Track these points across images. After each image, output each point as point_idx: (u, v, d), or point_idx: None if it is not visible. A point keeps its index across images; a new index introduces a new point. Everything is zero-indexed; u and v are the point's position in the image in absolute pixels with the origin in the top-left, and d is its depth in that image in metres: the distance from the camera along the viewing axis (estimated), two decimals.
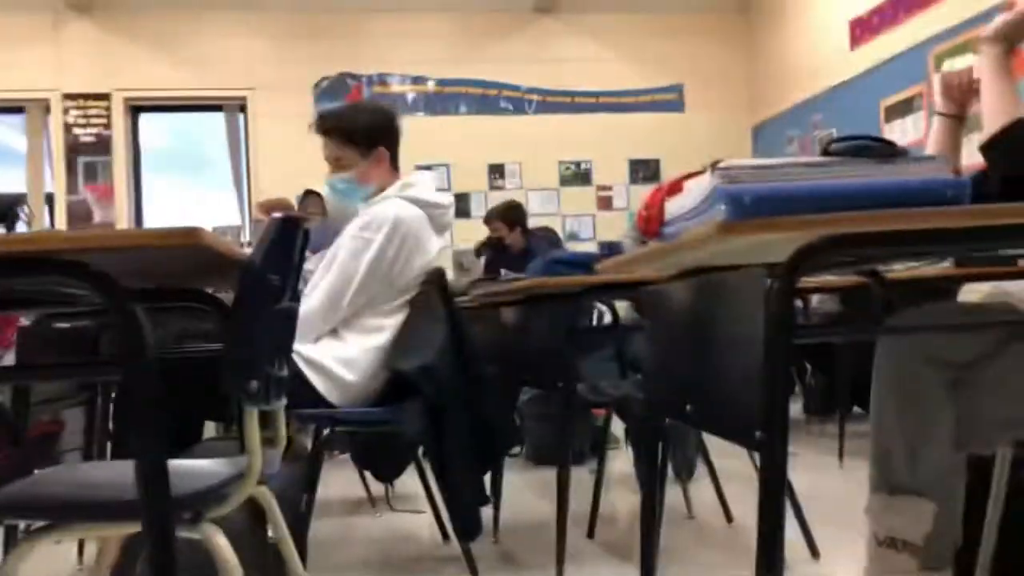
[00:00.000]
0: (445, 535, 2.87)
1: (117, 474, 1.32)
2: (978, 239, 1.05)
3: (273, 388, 1.33)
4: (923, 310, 1.63)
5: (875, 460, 1.54)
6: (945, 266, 2.96)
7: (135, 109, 7.78)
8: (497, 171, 7.86)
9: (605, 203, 7.92)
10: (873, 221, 1.05)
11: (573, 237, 7.65)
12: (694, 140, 7.53)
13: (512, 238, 5.25)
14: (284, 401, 1.46)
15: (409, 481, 3.06)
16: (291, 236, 1.27)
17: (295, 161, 7.09)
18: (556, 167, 7.90)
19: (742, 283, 1.26)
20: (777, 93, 7.58)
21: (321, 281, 2.38)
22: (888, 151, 1.15)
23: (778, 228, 1.05)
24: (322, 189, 3.48)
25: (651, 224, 1.38)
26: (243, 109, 7.77)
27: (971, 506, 1.59)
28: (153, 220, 7.90)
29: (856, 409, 4.72)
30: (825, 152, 1.20)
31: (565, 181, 7.91)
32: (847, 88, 6.56)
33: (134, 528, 1.21)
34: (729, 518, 2.94)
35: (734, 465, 3.47)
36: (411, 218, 2.40)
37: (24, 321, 2.45)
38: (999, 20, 1.45)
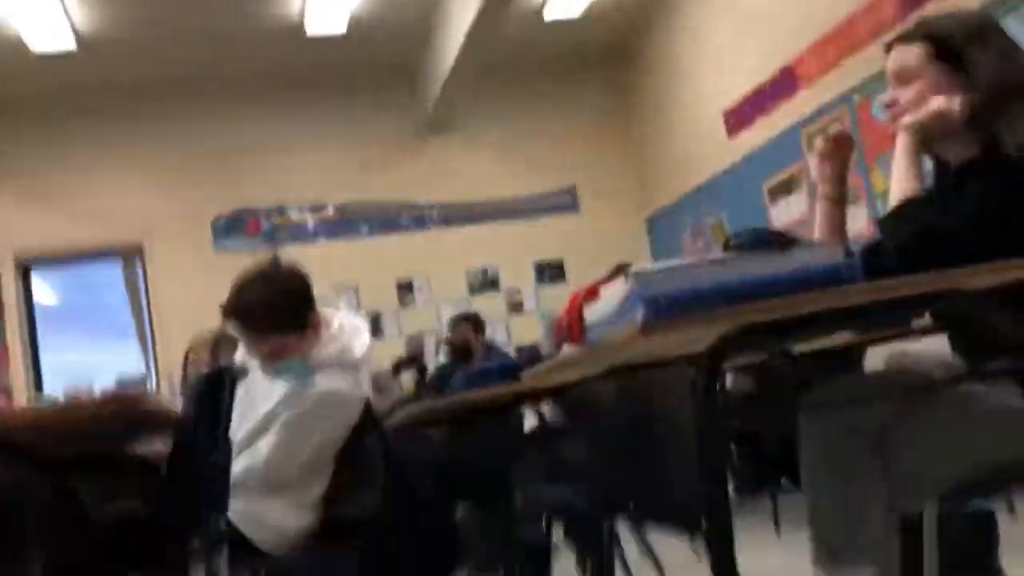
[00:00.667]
0: None
1: None
2: (876, 312, 1.13)
3: (213, 541, 1.31)
4: (836, 382, 1.71)
5: (814, 535, 1.59)
6: (846, 335, 3.11)
7: (26, 267, 7.58)
8: (406, 287, 7.90)
9: (516, 307, 8.02)
10: (779, 308, 1.12)
11: (492, 345, 7.70)
12: (593, 238, 7.76)
13: (476, 344, 5.33)
14: (225, 552, 1.43)
15: None
16: (220, 387, 1.27)
17: (198, 301, 6.98)
18: (464, 276, 7.99)
19: (667, 378, 1.31)
20: (666, 185, 7.91)
21: (257, 447, 2.31)
22: (783, 242, 1.23)
23: (693, 325, 1.11)
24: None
25: (573, 330, 1.43)
26: (141, 255, 7.66)
27: (908, 566, 1.64)
28: (52, 377, 7.61)
29: (784, 482, 4.81)
30: (726, 248, 1.28)
31: (474, 289, 8.00)
32: (730, 174, 6.90)
33: None
34: None
35: (669, 554, 3.47)
36: (346, 392, 2.38)
37: None
38: (923, 114, 1.57)
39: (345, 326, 2.48)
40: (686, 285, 1.16)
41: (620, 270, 4.22)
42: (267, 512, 2.29)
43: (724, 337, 1.11)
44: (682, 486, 1.27)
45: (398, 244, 7.91)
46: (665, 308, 1.13)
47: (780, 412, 3.77)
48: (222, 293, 2.54)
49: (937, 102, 1.54)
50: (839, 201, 1.74)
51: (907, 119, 1.58)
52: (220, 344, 4.44)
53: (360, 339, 2.47)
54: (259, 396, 2.39)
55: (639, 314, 1.14)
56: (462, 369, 4.56)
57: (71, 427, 0.99)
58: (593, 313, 1.38)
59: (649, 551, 3.08)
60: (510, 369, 3.56)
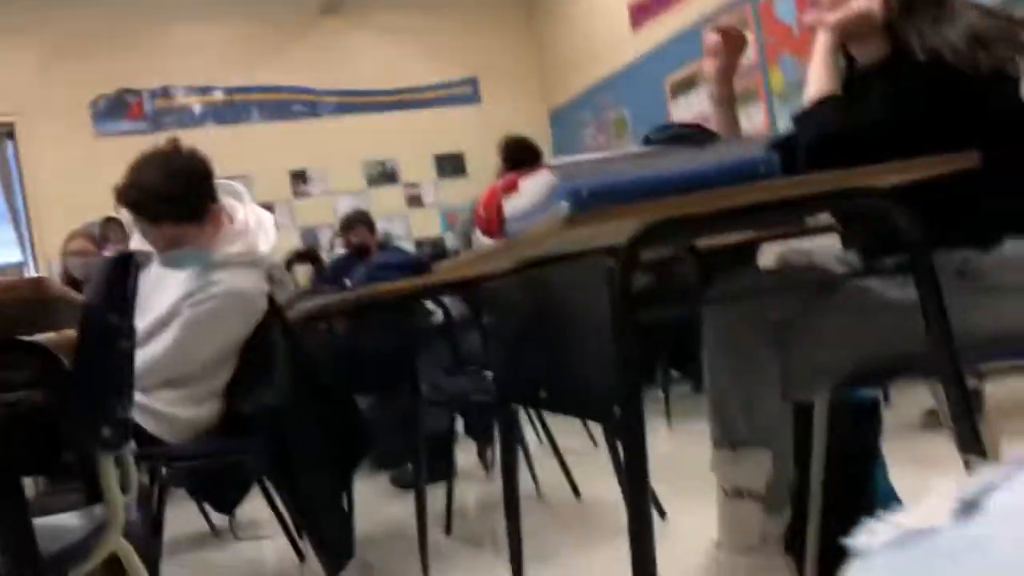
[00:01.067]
0: (300, 555, 2.82)
1: None
2: (793, 208, 1.16)
3: (123, 432, 1.28)
4: (738, 274, 1.77)
5: (714, 419, 1.66)
6: (746, 232, 3.21)
7: None
8: (300, 178, 7.69)
9: (415, 200, 7.93)
10: (699, 203, 1.14)
11: (387, 238, 7.62)
12: (494, 131, 7.64)
13: (372, 242, 5.26)
14: (132, 444, 1.40)
15: (250, 506, 2.98)
16: (127, 273, 1.21)
17: (77, 186, 6.65)
18: (361, 168, 7.83)
19: (584, 269, 1.33)
20: (568, 79, 7.85)
21: (157, 343, 2.25)
22: (703, 137, 1.25)
23: (617, 216, 1.11)
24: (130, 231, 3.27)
25: (491, 224, 1.43)
26: (11, 135, 7.18)
27: (799, 449, 1.75)
28: None
29: (673, 373, 5.03)
30: (646, 142, 1.28)
31: (372, 181, 7.85)
32: (633, 69, 6.89)
33: None
34: (577, 493, 3.06)
35: (572, 444, 3.61)
36: (251, 290, 2.31)
37: None
38: (842, 14, 1.58)
39: (250, 221, 2.40)
40: (609, 178, 1.16)
41: (515, 146, 4.13)
42: (165, 405, 2.26)
43: (648, 229, 1.12)
44: (596, 376, 1.30)
45: (291, 132, 7.65)
46: (588, 200, 1.13)
47: (679, 306, 3.89)
48: (102, 178, 2.40)
49: (859, 2, 1.56)
50: (727, 102, 1.77)
51: (831, 17, 1.59)
52: (107, 231, 4.26)
53: (266, 234, 2.41)
54: (159, 286, 2.32)
55: (562, 206, 1.14)
56: (361, 263, 4.51)
57: None
58: (513, 206, 1.37)
59: (550, 439, 3.19)
60: (415, 263, 3.55)
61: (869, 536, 0.34)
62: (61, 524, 1.22)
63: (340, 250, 5.71)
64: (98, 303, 1.12)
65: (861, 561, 0.34)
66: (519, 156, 3.78)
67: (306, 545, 2.69)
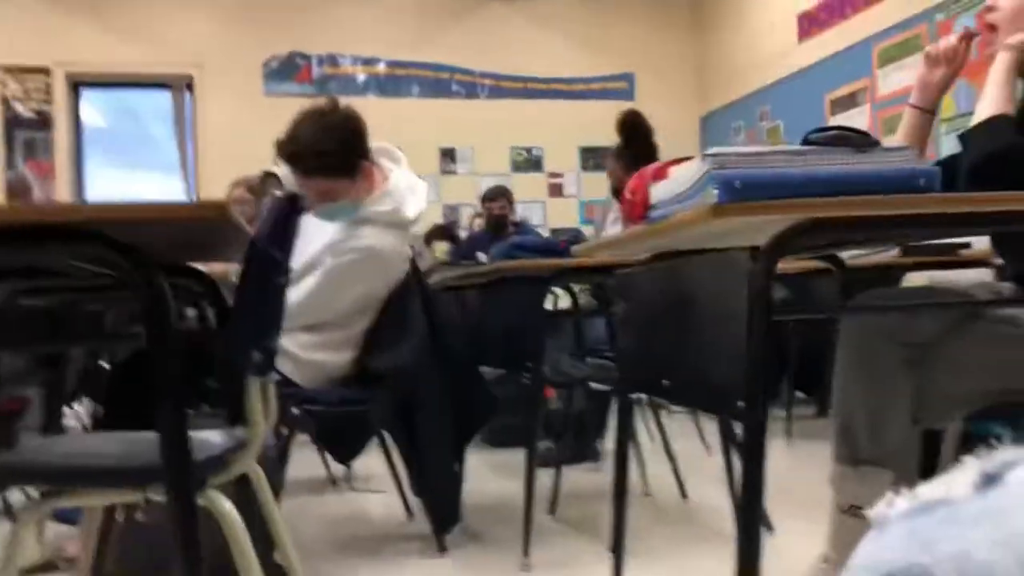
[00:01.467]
0: (409, 512, 2.92)
1: (114, 444, 1.34)
2: (946, 224, 1.13)
3: (271, 360, 1.37)
4: (882, 292, 1.73)
5: (838, 433, 1.63)
6: (893, 254, 3.11)
7: (77, 85, 7.60)
8: (449, 155, 7.87)
9: (556, 190, 7.99)
10: (852, 206, 1.13)
11: (525, 222, 7.72)
12: None
13: (511, 218, 5.40)
14: (276, 376, 1.49)
15: (368, 461, 3.10)
16: (293, 214, 1.30)
17: (243, 141, 7.02)
18: (508, 153, 7.94)
19: (724, 264, 1.33)
20: (725, 84, 7.72)
21: (299, 288, 2.38)
22: (864, 141, 1.23)
23: (767, 211, 1.12)
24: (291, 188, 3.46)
25: (635, 208, 1.45)
26: (190, 87, 7.65)
27: (924, 476, 1.70)
28: (95, 200, 7.74)
29: (799, 395, 4.90)
30: (806, 141, 1.28)
31: (517, 167, 7.96)
32: (793, 81, 6.72)
33: (135, 495, 1.23)
34: (684, 495, 3.04)
35: (685, 446, 3.59)
36: (392, 249, 2.42)
37: None
38: None
39: (401, 185, 2.50)
40: (762, 171, 1.17)
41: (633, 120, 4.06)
42: (301, 348, 2.39)
43: (793, 228, 1.12)
44: (724, 371, 1.31)
45: (446, 110, 7.83)
46: (739, 191, 1.14)
47: (813, 321, 3.79)
48: (267, 135, 2.54)
49: None
50: (931, 111, 1.72)
51: (1013, 39, 1.54)
52: (265, 182, 4.49)
53: (415, 199, 2.50)
54: (310, 234, 2.45)
55: (712, 194, 1.15)
56: (497, 240, 4.60)
57: (157, 230, 1.03)
58: (660, 192, 1.39)
59: (663, 438, 3.18)
60: (550, 246, 3.58)
61: (887, 506, 0.35)
62: (207, 438, 1.32)
63: (475, 228, 5.84)
64: (265, 237, 1.21)
65: (877, 529, 0.35)
66: (635, 132, 3.77)
67: (416, 504, 2.78)
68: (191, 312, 1.68)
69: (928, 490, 0.35)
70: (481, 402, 2.55)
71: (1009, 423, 1.92)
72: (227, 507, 1.19)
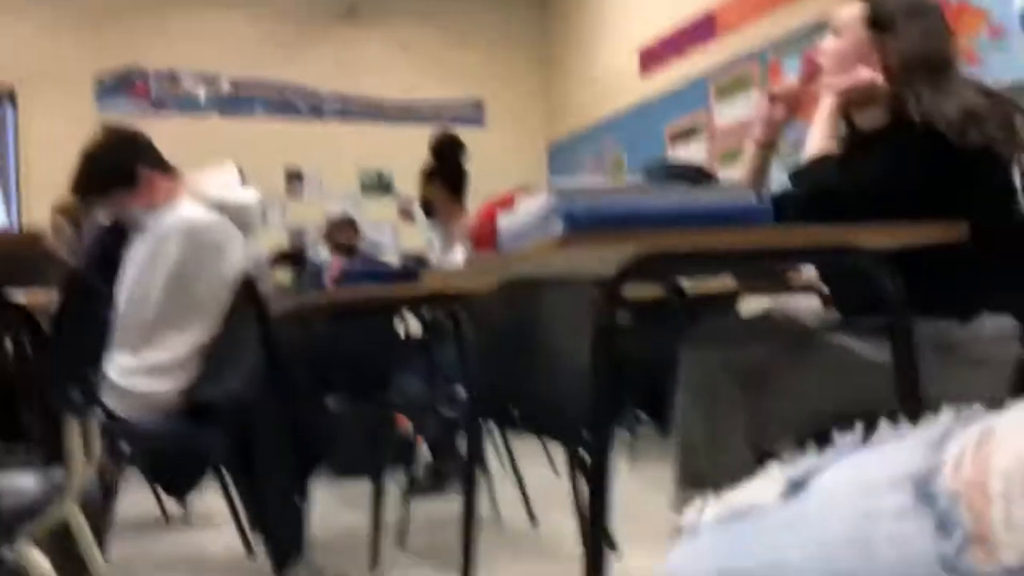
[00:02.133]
0: (250, 549, 2.79)
1: None
2: (782, 257, 1.18)
3: (92, 397, 1.27)
4: (720, 323, 1.79)
5: (680, 459, 1.67)
6: (727, 282, 3.25)
7: None
8: (295, 177, 7.70)
9: (407, 215, 7.94)
10: (692, 239, 1.16)
11: (374, 247, 7.62)
12: (493, 156, 7.70)
13: (357, 245, 5.32)
14: (99, 412, 1.39)
15: (206, 496, 2.95)
16: (117, 243, 1.22)
17: (72, 160, 6.63)
18: (356, 175, 7.84)
19: (570, 295, 1.34)
20: (572, 114, 7.92)
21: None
22: (702, 178, 1.27)
23: (609, 241, 1.13)
24: None
25: (484, 238, 1.44)
26: (12, 100, 7.15)
27: None
28: None
29: (641, 416, 5.04)
30: (647, 175, 1.31)
31: (366, 189, 7.86)
32: (637, 112, 6.97)
33: None
34: (533, 519, 3.05)
35: (534, 471, 3.61)
36: (206, 223, 2.31)
37: None
38: (849, 81, 1.63)
39: (206, 182, 2.43)
40: (606, 204, 1.19)
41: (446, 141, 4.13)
42: (124, 375, 2.24)
43: (638, 259, 1.14)
44: (570, 400, 1.32)
45: (292, 131, 7.66)
46: (583, 223, 1.15)
47: (656, 345, 3.91)
48: None
49: (865, 72, 1.61)
50: (770, 147, 1.80)
51: (837, 81, 1.64)
52: (86, 207, 4.25)
53: (230, 189, 2.42)
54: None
55: (558, 226, 1.16)
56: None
57: None
58: (508, 223, 1.39)
59: (512, 464, 3.19)
60: (396, 273, 3.55)
61: (697, 513, 0.36)
62: (16, 482, 1.21)
63: (323, 252, 5.73)
64: (88, 267, 1.12)
65: (688, 537, 0.35)
66: (445, 151, 3.84)
67: (257, 539, 2.67)
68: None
69: (736, 497, 0.35)
70: (323, 435, 2.47)
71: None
72: (39, 561, 1.09)
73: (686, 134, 6.39)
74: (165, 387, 2.27)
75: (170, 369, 2.28)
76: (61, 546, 1.45)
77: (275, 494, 2.38)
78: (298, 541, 2.46)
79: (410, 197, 7.96)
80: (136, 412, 2.23)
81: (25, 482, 1.22)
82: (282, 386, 2.39)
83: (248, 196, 2.45)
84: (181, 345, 2.28)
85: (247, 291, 2.39)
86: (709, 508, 0.34)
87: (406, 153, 7.86)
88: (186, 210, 2.28)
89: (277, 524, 2.39)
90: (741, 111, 5.70)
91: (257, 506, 2.42)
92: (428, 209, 3.91)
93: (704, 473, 1.64)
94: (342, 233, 5.33)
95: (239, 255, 2.37)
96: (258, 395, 2.30)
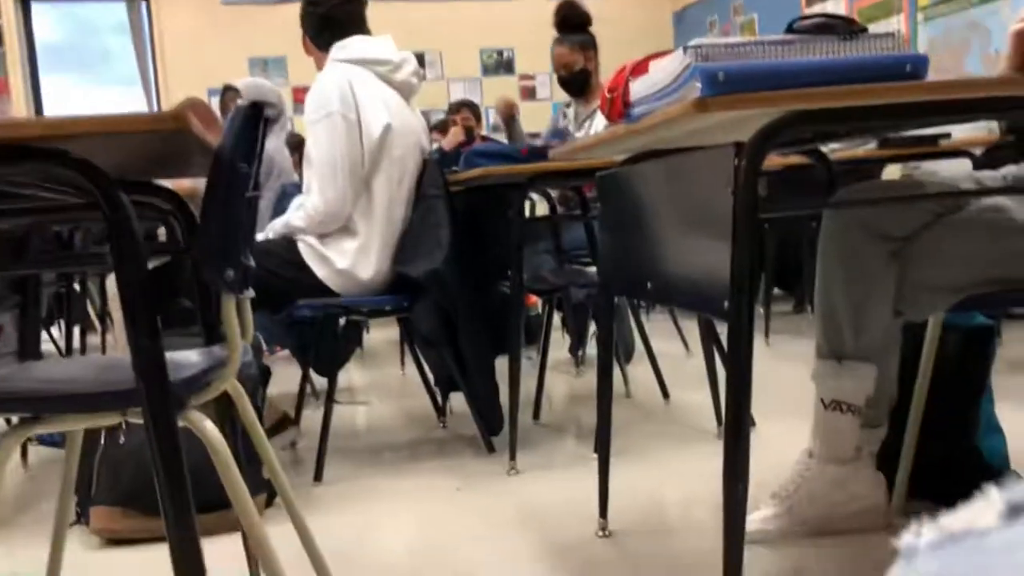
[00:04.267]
0: (441, 412, 2.96)
1: (91, 368, 1.32)
2: (936, 112, 1.10)
3: (245, 276, 1.33)
4: (864, 187, 1.70)
5: (822, 330, 1.63)
6: (871, 148, 3.08)
7: None
8: (417, 60, 7.67)
9: (528, 93, 7.84)
10: (841, 96, 1.09)
11: (496, 128, 7.58)
12: (619, 27, 7.45)
13: (477, 129, 5.32)
14: (252, 292, 1.46)
15: (343, 375, 3.08)
16: (257, 123, 1.25)
17: (205, 52, 6.79)
18: (478, 56, 7.75)
19: (708, 162, 1.29)
20: None
21: (311, 179, 2.39)
22: (850, 28, 1.18)
23: (753, 103, 1.08)
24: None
25: (615, 106, 1.40)
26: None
27: (904, 368, 1.71)
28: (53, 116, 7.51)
29: (776, 291, 4.94)
30: (789, 30, 1.23)
31: (488, 70, 7.78)
32: None
33: (115, 419, 1.21)
34: (666, 396, 3.07)
35: (665, 348, 3.62)
36: (344, 79, 2.41)
37: None
38: None
39: (353, 44, 2.60)
40: (748, 63, 1.12)
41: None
42: (341, 256, 2.39)
43: (780, 121, 1.09)
44: (708, 271, 1.29)
45: (414, 12, 7.59)
46: (723, 84, 1.09)
47: (790, 217, 3.78)
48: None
49: None
50: None
51: None
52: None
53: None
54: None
55: (695, 88, 1.11)
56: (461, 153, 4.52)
57: (115, 144, 0.98)
58: (640, 87, 1.34)
59: (644, 341, 3.20)
60: (511, 153, 3.52)
61: (914, 537, 0.34)
62: (187, 358, 1.29)
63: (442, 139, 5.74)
64: (229, 149, 1.16)
65: (905, 560, 0.34)
66: (571, 21, 3.67)
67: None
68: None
69: (953, 520, 0.34)
70: (503, 308, 2.57)
71: (995, 314, 1.93)
72: (209, 427, 1.17)
73: None
74: (376, 266, 2.42)
75: (383, 249, 2.43)
76: (226, 416, 1.56)
77: (478, 374, 2.51)
78: (500, 414, 2.59)
79: (531, 75, 7.84)
80: (347, 289, 2.40)
81: (191, 357, 1.30)
82: (471, 266, 2.52)
83: (394, 54, 2.68)
84: (388, 222, 2.42)
85: (439, 175, 2.48)
86: (926, 530, 0.33)
87: (527, 30, 7.70)
88: (324, 75, 2.48)
89: (483, 395, 2.53)
90: None
91: (467, 378, 2.55)
92: (583, 79, 3.73)
93: (847, 344, 1.59)
94: (461, 115, 5.32)
95: (390, 102, 2.55)
96: (455, 272, 2.41)
